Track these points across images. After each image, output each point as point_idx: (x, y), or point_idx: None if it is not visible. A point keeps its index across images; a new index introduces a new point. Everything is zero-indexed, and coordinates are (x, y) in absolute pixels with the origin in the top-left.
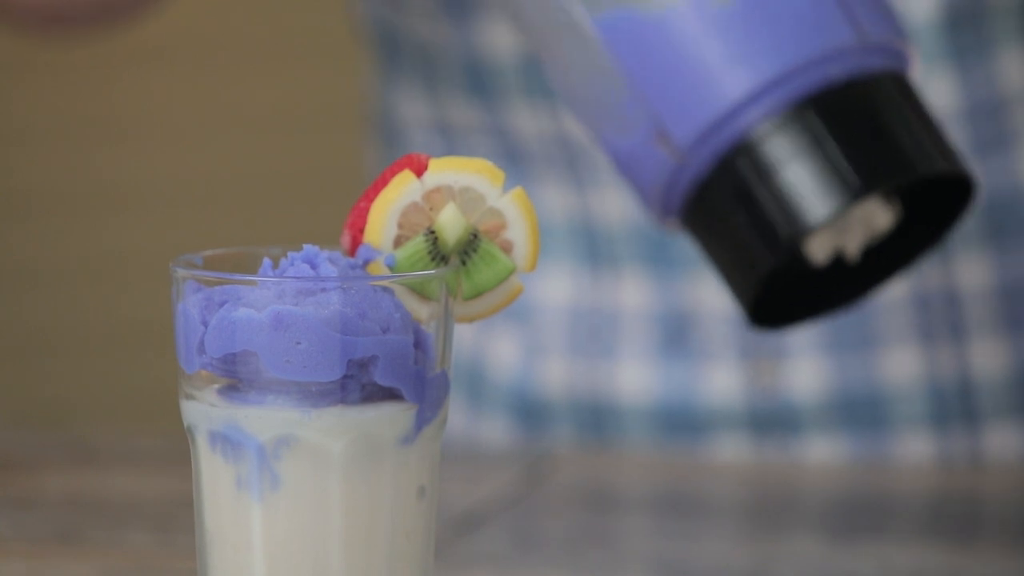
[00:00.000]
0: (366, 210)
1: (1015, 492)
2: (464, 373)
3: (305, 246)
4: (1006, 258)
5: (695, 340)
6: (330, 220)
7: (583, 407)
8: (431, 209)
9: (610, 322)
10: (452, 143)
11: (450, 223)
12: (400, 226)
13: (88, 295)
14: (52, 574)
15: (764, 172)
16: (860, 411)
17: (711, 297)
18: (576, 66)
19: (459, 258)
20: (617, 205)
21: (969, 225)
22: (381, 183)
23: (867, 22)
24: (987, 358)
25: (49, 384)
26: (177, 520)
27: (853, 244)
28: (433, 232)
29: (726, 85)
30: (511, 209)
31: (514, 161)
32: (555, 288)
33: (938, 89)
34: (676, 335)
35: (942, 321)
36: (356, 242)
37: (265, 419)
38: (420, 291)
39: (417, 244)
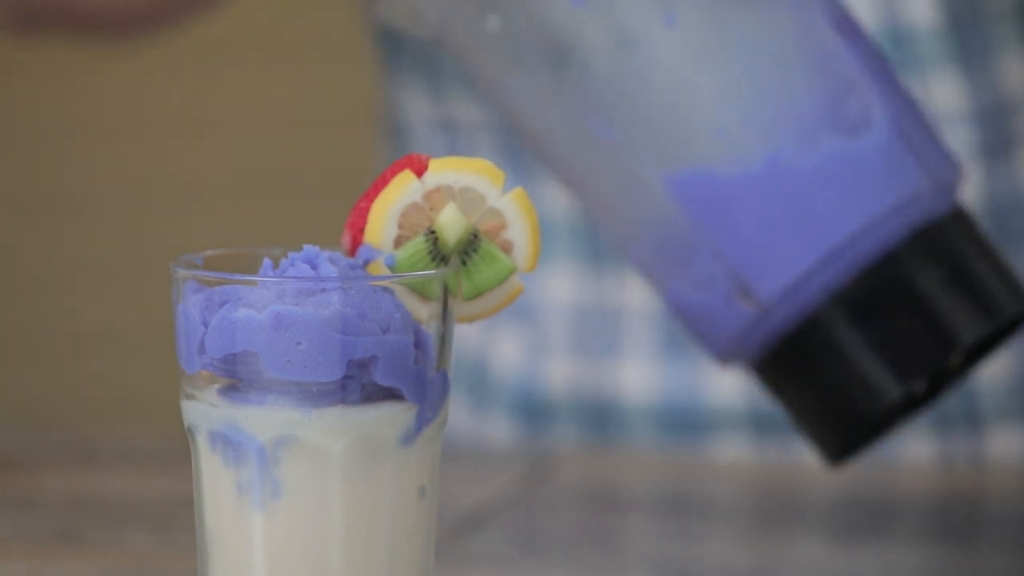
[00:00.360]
0: (366, 210)
1: (1017, 493)
2: (467, 372)
3: (305, 246)
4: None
5: None
6: (330, 220)
7: (586, 406)
8: (431, 209)
9: (613, 321)
10: (455, 140)
11: (450, 223)
12: (400, 226)
13: (88, 295)
14: (52, 574)
15: (856, 325)
16: None
17: None
18: (641, 222)
19: (459, 258)
20: None
21: None
22: (381, 183)
23: (932, 160)
24: (989, 361)
25: (49, 384)
26: (177, 520)
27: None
28: (433, 232)
29: (809, 241)
30: (511, 209)
31: (517, 160)
32: (558, 287)
33: (942, 92)
34: (679, 335)
35: None
36: (356, 242)
37: (265, 419)
38: (420, 291)
39: (417, 244)
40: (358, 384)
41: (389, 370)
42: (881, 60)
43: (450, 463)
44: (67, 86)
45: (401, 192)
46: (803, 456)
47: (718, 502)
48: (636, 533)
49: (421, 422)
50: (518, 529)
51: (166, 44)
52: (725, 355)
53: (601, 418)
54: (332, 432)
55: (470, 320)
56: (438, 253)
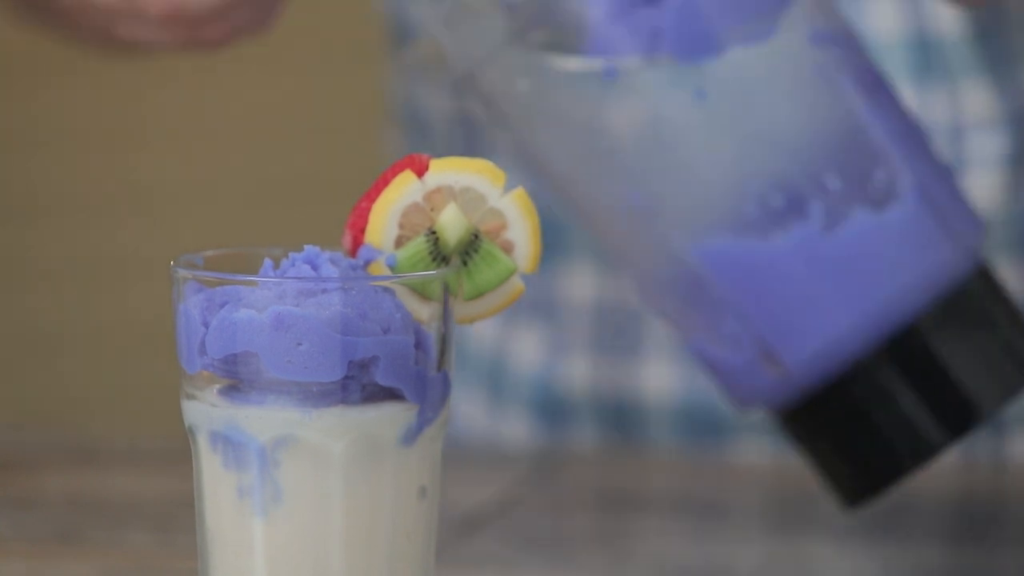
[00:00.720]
0: (367, 210)
1: None
2: (485, 369)
3: (306, 247)
4: None
5: None
6: (331, 221)
7: (606, 406)
8: (432, 209)
9: (635, 321)
10: (474, 137)
11: (451, 223)
12: (401, 226)
13: (89, 295)
14: (52, 574)
15: (879, 393)
16: None
17: None
18: (666, 282)
19: (460, 258)
20: None
21: (1000, 235)
22: (382, 183)
23: (958, 223)
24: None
25: (49, 384)
26: (177, 520)
27: None
28: (434, 232)
29: (836, 312)
30: (512, 210)
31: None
32: (580, 286)
33: (971, 100)
34: None
35: None
36: (357, 242)
37: (266, 419)
38: (421, 291)
39: (418, 244)
40: (359, 384)
41: (390, 370)
42: (907, 118)
43: (450, 464)
44: (68, 86)
45: (402, 192)
46: None
47: (722, 502)
48: (636, 533)
49: (422, 422)
50: (519, 530)
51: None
52: (744, 406)
53: (621, 418)
54: (332, 432)
55: (471, 321)
56: (439, 253)
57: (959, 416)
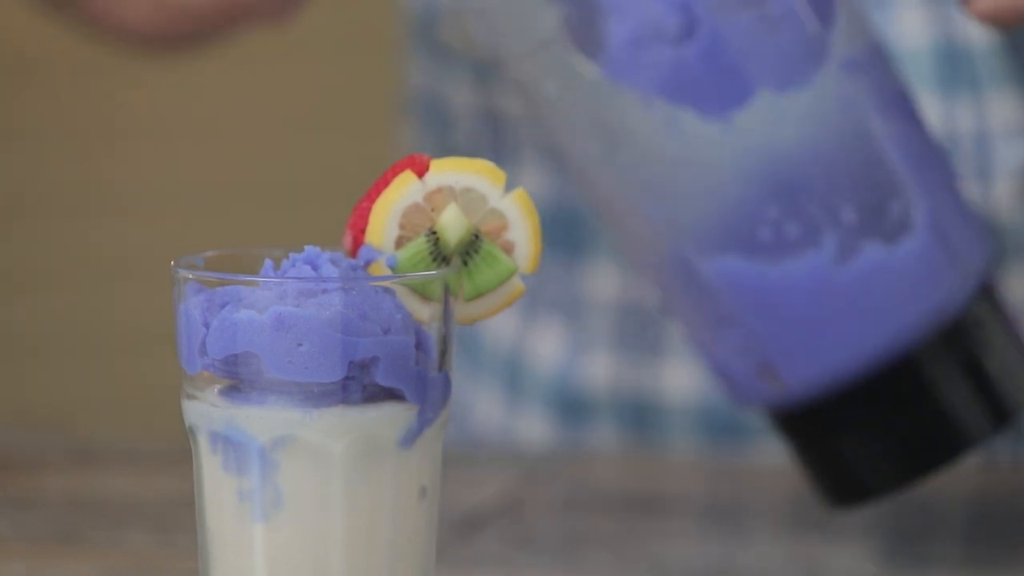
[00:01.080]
0: (367, 211)
1: None
2: (504, 365)
3: (306, 247)
4: None
5: None
6: (332, 221)
7: (626, 405)
8: (432, 210)
9: (657, 321)
10: (500, 132)
11: (452, 224)
12: (401, 227)
13: (89, 296)
14: (52, 574)
15: (872, 414)
16: None
17: None
18: (679, 288)
19: (460, 259)
20: None
21: (1018, 241)
22: (383, 184)
23: (967, 253)
24: None
25: (49, 384)
26: (177, 520)
27: None
28: (435, 233)
29: (841, 343)
30: (513, 210)
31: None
32: (603, 285)
33: (999, 110)
34: None
35: None
36: (357, 243)
37: (266, 419)
38: (421, 292)
39: (418, 245)
40: (359, 385)
41: (390, 371)
42: (927, 140)
43: (450, 464)
44: (70, 87)
45: (402, 193)
46: None
47: (728, 503)
48: (636, 534)
49: (422, 423)
50: (518, 530)
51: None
52: (740, 406)
53: (640, 418)
54: (333, 432)
55: (471, 321)
56: (439, 254)
57: (947, 442)
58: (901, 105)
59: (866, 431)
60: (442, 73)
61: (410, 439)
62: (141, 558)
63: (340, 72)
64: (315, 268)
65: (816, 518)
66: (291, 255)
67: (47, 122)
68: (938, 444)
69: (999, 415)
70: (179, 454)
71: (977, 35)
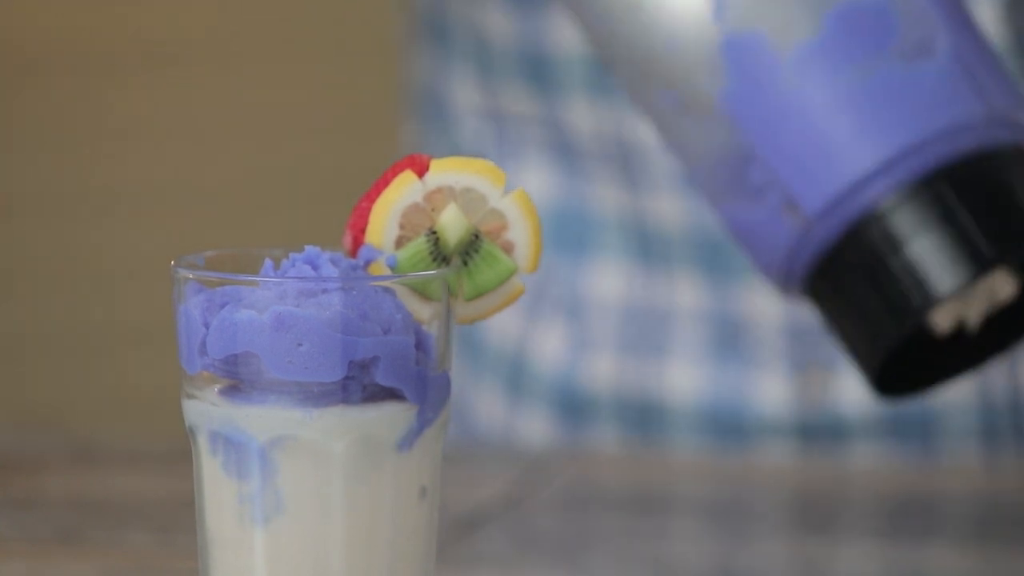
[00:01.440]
0: (367, 210)
1: None
2: (506, 365)
3: (306, 247)
4: None
5: (746, 347)
6: (332, 221)
7: (629, 406)
8: (432, 210)
9: (661, 322)
10: (504, 132)
11: (451, 224)
12: (401, 226)
13: (89, 295)
14: (52, 574)
15: (893, 241)
16: (909, 425)
17: (764, 306)
18: (696, 136)
19: (460, 259)
20: (672, 209)
21: None
22: (383, 183)
23: (994, 94)
24: None
25: (49, 384)
26: (177, 520)
27: (975, 314)
28: (435, 232)
29: (856, 156)
30: (513, 210)
31: (567, 155)
32: (606, 284)
33: None
34: (728, 340)
35: None
36: (357, 243)
37: (266, 419)
38: (422, 292)
39: (418, 245)
40: (359, 385)
41: (390, 371)
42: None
43: (450, 464)
44: (71, 87)
45: (402, 192)
46: (846, 462)
47: (729, 503)
48: (635, 534)
49: (422, 423)
50: (518, 530)
51: (168, 45)
52: (779, 277)
53: (643, 419)
54: (333, 432)
55: (471, 321)
56: (439, 254)
57: (966, 262)
58: None
59: (888, 259)
60: (445, 72)
61: (410, 439)
62: (141, 558)
63: (341, 72)
64: (315, 268)
65: (818, 518)
66: (291, 255)
67: (47, 122)
68: (955, 264)
69: (1013, 248)
70: (179, 454)
71: (988, 34)
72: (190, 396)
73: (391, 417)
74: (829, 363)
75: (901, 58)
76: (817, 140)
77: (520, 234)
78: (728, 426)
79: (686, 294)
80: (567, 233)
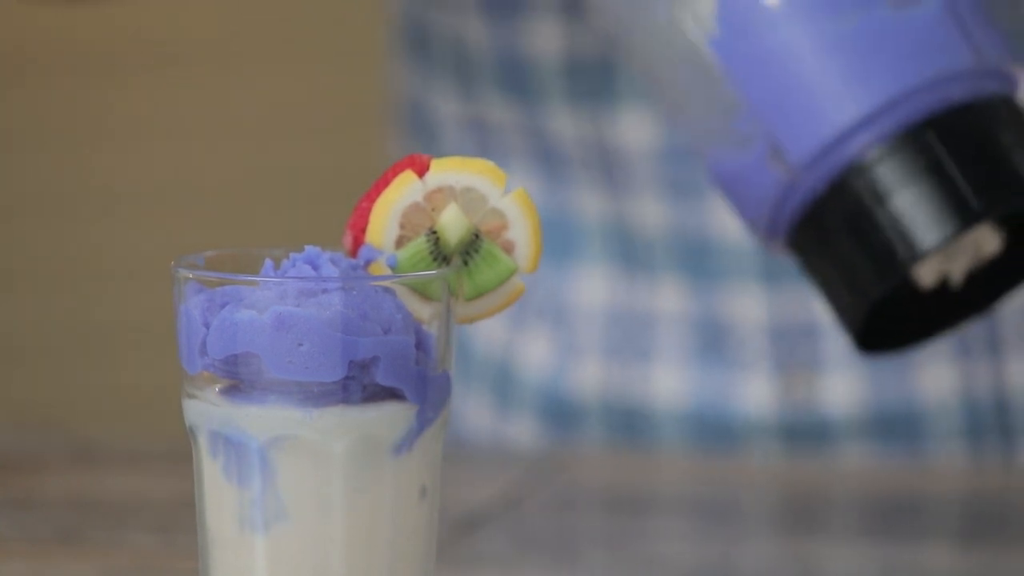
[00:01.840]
0: (368, 210)
1: None
2: (492, 372)
3: (307, 247)
4: None
5: (730, 349)
6: (332, 221)
7: (615, 411)
8: (433, 209)
9: (645, 326)
10: (486, 140)
11: (452, 223)
12: (402, 226)
13: (89, 295)
14: (52, 574)
15: (879, 194)
16: (894, 425)
17: (747, 308)
18: (685, 86)
19: (461, 258)
20: (654, 214)
21: None
22: (383, 183)
23: (984, 45)
24: (1023, 374)
25: (49, 384)
26: (177, 520)
27: (959, 269)
28: (435, 232)
29: (843, 105)
30: (513, 209)
31: (548, 162)
32: (589, 290)
33: None
34: (712, 342)
35: (978, 336)
36: (358, 242)
37: (266, 419)
38: (422, 291)
39: (419, 244)
40: (359, 384)
41: (390, 371)
42: None
43: (450, 464)
44: (72, 88)
45: (403, 192)
46: (832, 462)
47: (738, 503)
48: (636, 534)
49: (422, 422)
50: (519, 530)
51: (167, 45)
52: (763, 228)
53: (630, 424)
54: (333, 432)
55: (471, 321)
56: (439, 253)
57: (953, 216)
58: None
59: (873, 210)
60: (426, 81)
61: (410, 439)
62: (141, 558)
63: (342, 72)
64: (315, 268)
65: (806, 517)
66: (291, 255)
67: (47, 122)
68: (941, 216)
69: (1006, 197)
70: (179, 454)
71: None
72: (190, 396)
73: (391, 417)
74: (813, 364)
75: (890, 4)
76: (804, 89)
77: (520, 234)
78: (714, 428)
79: (669, 298)
80: (550, 240)
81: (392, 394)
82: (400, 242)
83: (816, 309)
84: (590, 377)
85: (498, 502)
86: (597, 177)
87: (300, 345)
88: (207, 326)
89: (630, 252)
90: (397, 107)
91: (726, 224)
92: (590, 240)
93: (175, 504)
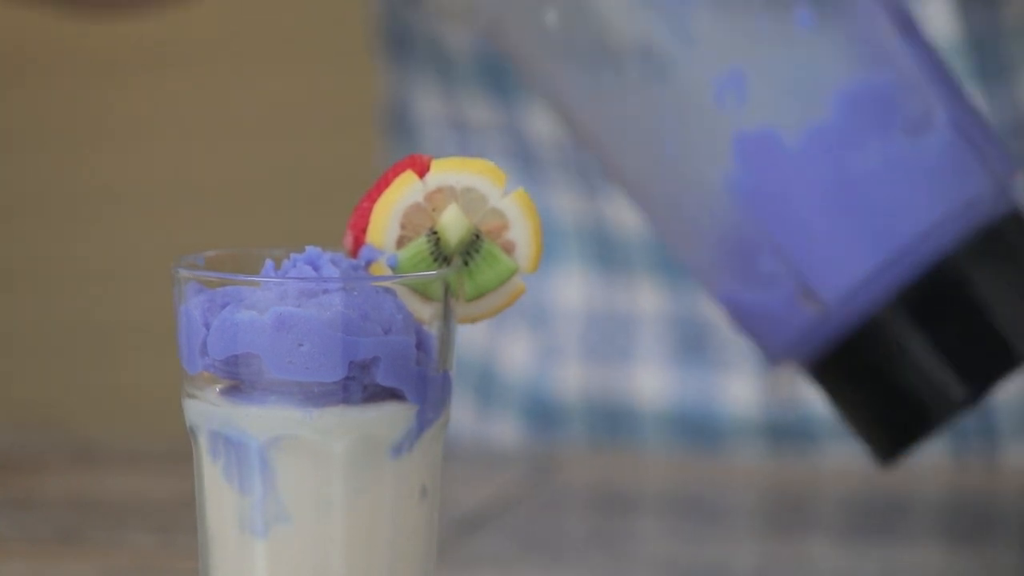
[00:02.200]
0: (368, 211)
1: None
2: (474, 375)
3: (307, 247)
4: None
5: (713, 349)
6: (332, 221)
7: (598, 412)
8: (433, 210)
9: (626, 327)
10: (466, 140)
11: (452, 223)
12: (402, 227)
13: (89, 295)
14: (52, 574)
15: (920, 328)
16: None
17: None
18: (701, 225)
19: (461, 259)
20: (632, 215)
21: None
22: (383, 183)
23: (994, 160)
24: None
25: (49, 384)
26: (177, 520)
27: None
28: (435, 233)
29: (874, 241)
30: (513, 210)
31: (527, 163)
32: (569, 292)
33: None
34: (694, 342)
35: None
36: (358, 243)
37: (266, 419)
38: (422, 292)
39: (419, 245)
40: (360, 385)
41: (391, 371)
42: (941, 63)
43: (451, 464)
44: (72, 88)
45: (403, 192)
46: (816, 461)
47: (725, 503)
48: (638, 534)
49: (423, 423)
50: (520, 529)
51: (167, 45)
52: (781, 356)
53: (613, 424)
54: (333, 432)
55: (472, 321)
56: (440, 254)
57: (993, 358)
58: (914, 25)
59: (915, 350)
60: (408, 82)
61: (411, 439)
62: (141, 558)
63: (342, 71)
64: (316, 268)
65: (793, 515)
66: (292, 255)
67: (46, 122)
68: (992, 355)
69: None
70: (179, 454)
71: (943, 34)
72: (191, 396)
73: (391, 417)
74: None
75: (905, 133)
76: (832, 228)
77: (521, 234)
78: (698, 428)
79: (649, 299)
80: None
81: (392, 394)
82: (401, 242)
83: None
84: (572, 378)
85: (499, 502)
86: (574, 176)
87: (300, 345)
88: (207, 326)
89: (609, 253)
90: (379, 107)
91: None
92: (568, 241)
93: (175, 504)
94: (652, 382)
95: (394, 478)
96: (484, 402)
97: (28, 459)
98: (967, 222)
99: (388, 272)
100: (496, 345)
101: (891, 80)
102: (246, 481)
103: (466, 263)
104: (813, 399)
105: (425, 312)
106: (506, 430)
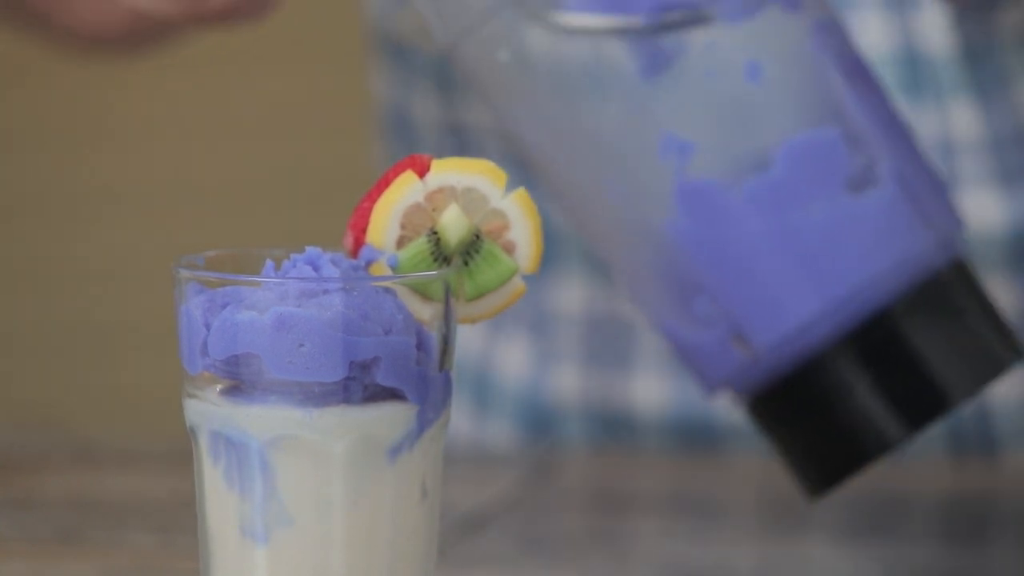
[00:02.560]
0: (369, 211)
1: None
2: (471, 378)
3: (307, 247)
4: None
5: None
6: (333, 221)
7: (595, 417)
8: (434, 210)
9: (624, 333)
10: (464, 144)
11: (453, 224)
12: (403, 227)
13: (90, 295)
14: (52, 574)
15: (850, 378)
16: None
17: None
18: (640, 263)
19: (461, 259)
20: None
21: (993, 252)
22: (384, 184)
23: (937, 216)
24: (1005, 385)
25: (49, 384)
26: (177, 520)
27: None
28: (436, 233)
29: (808, 294)
30: (514, 210)
31: (525, 167)
32: (568, 297)
33: (960, 119)
34: None
35: None
36: (359, 243)
37: (267, 419)
38: (423, 292)
39: (420, 245)
40: (360, 385)
41: (391, 371)
42: (891, 113)
43: (452, 464)
44: (72, 88)
45: (403, 193)
46: None
47: (725, 503)
48: (639, 534)
49: (423, 423)
50: (520, 530)
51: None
52: (716, 388)
53: (610, 429)
54: (334, 432)
55: (472, 321)
56: (440, 254)
57: (924, 406)
58: (865, 74)
59: (839, 399)
60: (406, 86)
61: (411, 439)
62: (141, 558)
63: (343, 71)
64: (316, 268)
65: (792, 515)
66: (292, 255)
67: (46, 122)
68: (914, 406)
69: (976, 379)
70: (179, 454)
71: (939, 44)
72: (191, 396)
73: (392, 417)
74: None
75: (849, 190)
76: (767, 279)
77: (521, 234)
78: (696, 433)
79: None
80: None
81: (393, 394)
82: (401, 242)
83: None
84: (569, 383)
85: (500, 502)
86: None
87: (301, 345)
88: (208, 327)
89: None
90: (378, 112)
91: None
92: (568, 247)
93: (175, 504)
94: (651, 387)
95: (394, 478)
96: (481, 405)
97: (28, 459)
98: (905, 276)
99: (388, 272)
100: (493, 349)
101: (837, 135)
102: (246, 482)
103: (466, 263)
104: None
105: (425, 312)
106: (502, 433)
